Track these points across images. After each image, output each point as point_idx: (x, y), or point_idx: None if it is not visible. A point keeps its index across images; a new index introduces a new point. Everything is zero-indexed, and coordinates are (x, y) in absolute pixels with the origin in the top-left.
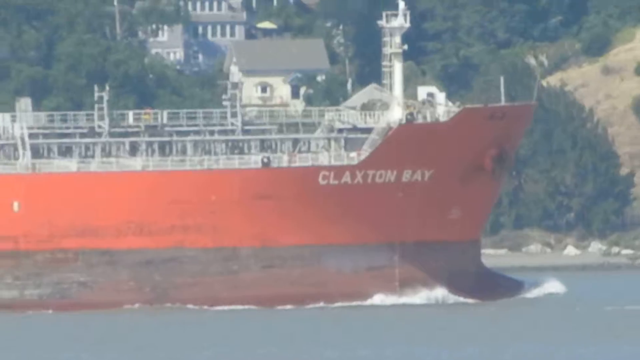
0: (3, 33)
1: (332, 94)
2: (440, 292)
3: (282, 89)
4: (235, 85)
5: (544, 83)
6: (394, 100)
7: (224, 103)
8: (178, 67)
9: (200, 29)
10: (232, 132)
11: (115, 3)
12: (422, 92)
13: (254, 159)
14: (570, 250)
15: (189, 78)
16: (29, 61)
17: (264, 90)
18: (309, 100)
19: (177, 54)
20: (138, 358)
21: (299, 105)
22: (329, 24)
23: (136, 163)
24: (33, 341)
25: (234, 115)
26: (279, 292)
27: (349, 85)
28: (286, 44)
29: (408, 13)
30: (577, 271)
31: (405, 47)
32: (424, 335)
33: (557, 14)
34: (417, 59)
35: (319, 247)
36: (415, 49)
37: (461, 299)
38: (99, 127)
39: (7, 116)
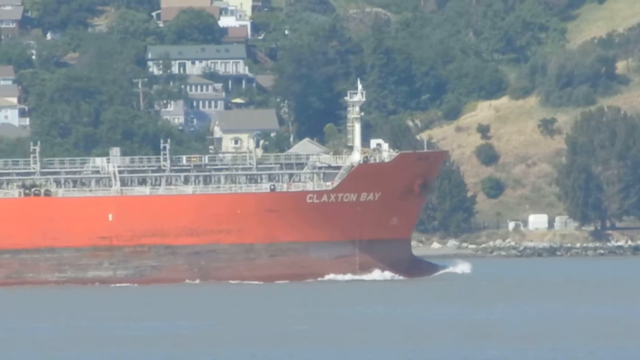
0: (66, 105)
1: (280, 145)
2: (386, 273)
3: (247, 142)
4: (219, 140)
5: (418, 138)
6: (355, 148)
7: (210, 150)
8: (180, 127)
9: (194, 103)
10: (250, 169)
11: (140, 86)
12: (373, 143)
13: (265, 186)
14: (435, 245)
15: (188, 134)
16: (83, 124)
17: (236, 142)
18: (265, 149)
19: (179, 119)
20: (193, 312)
21: (259, 153)
22: (278, 100)
23: (188, 189)
24: (126, 304)
25: (254, 159)
26: (281, 272)
27: (291, 139)
28: (250, 113)
29: (364, 92)
30: (441, 259)
31: (362, 114)
32: (373, 297)
33: (426, 92)
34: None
35: (306, 243)
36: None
37: (399, 277)
38: (164, 166)
39: (104, 159)
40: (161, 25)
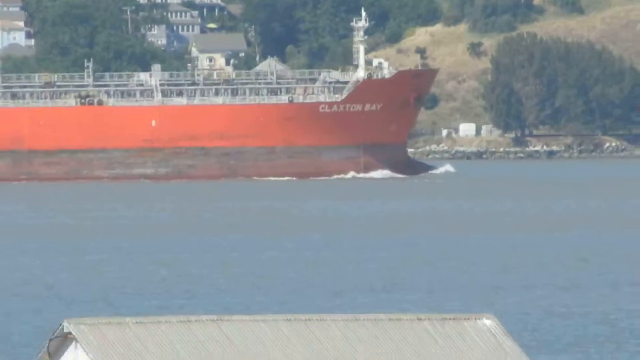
0: (66, 29)
1: (248, 64)
2: (386, 171)
3: (221, 61)
4: (195, 59)
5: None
6: (360, 66)
7: (188, 67)
8: (162, 48)
9: (174, 27)
10: (271, 83)
11: (128, 13)
12: (375, 61)
13: (284, 98)
14: None
15: (169, 54)
16: (80, 45)
17: (210, 61)
18: (235, 67)
19: (162, 41)
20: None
21: (230, 70)
22: (246, 25)
23: (219, 100)
24: (168, 194)
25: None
26: (297, 171)
27: (257, 59)
28: (222, 36)
29: (367, 18)
30: None
31: (366, 37)
32: (372, 191)
33: (372, 20)
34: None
35: (319, 146)
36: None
37: (397, 175)
38: (198, 80)
39: (147, 74)
40: None
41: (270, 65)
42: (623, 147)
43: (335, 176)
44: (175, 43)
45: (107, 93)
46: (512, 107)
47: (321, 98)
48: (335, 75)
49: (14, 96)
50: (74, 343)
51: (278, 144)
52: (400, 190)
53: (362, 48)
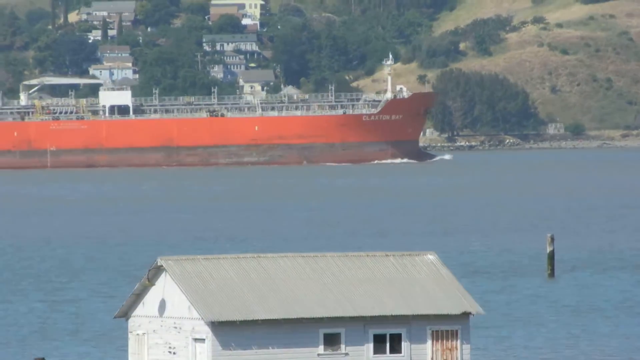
0: (159, 68)
1: (275, 90)
2: (405, 159)
3: (258, 88)
4: (241, 87)
5: (354, 85)
6: (388, 90)
7: (237, 93)
8: (220, 80)
9: (229, 66)
10: (330, 101)
11: (199, 57)
12: (398, 86)
13: (340, 111)
14: None
15: (225, 83)
16: (167, 78)
17: (251, 88)
18: (267, 92)
19: (220, 76)
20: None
21: (263, 94)
22: (274, 64)
23: (298, 112)
24: (264, 174)
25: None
26: (349, 159)
27: (282, 87)
28: (259, 72)
29: (392, 62)
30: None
31: (391, 73)
32: (397, 170)
33: (355, 60)
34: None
35: (363, 142)
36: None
37: (412, 161)
38: (283, 99)
39: (251, 95)
40: (210, 23)
41: (290, 91)
42: (517, 142)
43: (375, 162)
44: (228, 76)
45: (227, 108)
46: (445, 116)
47: (364, 111)
48: (373, 96)
49: (167, 111)
50: (164, 272)
51: (336, 141)
52: (413, 170)
53: (389, 79)
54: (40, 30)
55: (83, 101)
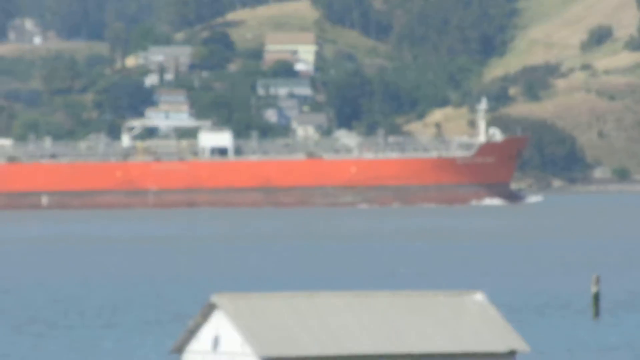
0: (215, 110)
1: (328, 132)
2: (496, 200)
3: (311, 131)
4: (294, 130)
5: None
6: (481, 133)
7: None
8: (275, 122)
9: (282, 110)
10: (425, 145)
11: (253, 101)
12: (491, 130)
13: (434, 154)
14: None
15: (279, 127)
16: (223, 119)
17: (304, 131)
18: (320, 134)
19: (275, 118)
20: None
21: (316, 136)
22: (327, 108)
23: (393, 154)
24: (359, 214)
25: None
26: (443, 200)
27: (334, 129)
28: (312, 115)
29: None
30: None
31: (485, 115)
32: (488, 212)
33: (408, 105)
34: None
35: (457, 185)
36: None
37: (504, 201)
38: (379, 141)
39: (349, 138)
40: (265, 68)
41: (340, 133)
42: (564, 185)
43: (469, 203)
44: (282, 120)
45: (324, 150)
46: None
47: (457, 154)
48: (466, 139)
49: (264, 152)
50: (217, 309)
51: (431, 182)
52: (504, 212)
53: (482, 124)
54: (99, 74)
55: (184, 142)
